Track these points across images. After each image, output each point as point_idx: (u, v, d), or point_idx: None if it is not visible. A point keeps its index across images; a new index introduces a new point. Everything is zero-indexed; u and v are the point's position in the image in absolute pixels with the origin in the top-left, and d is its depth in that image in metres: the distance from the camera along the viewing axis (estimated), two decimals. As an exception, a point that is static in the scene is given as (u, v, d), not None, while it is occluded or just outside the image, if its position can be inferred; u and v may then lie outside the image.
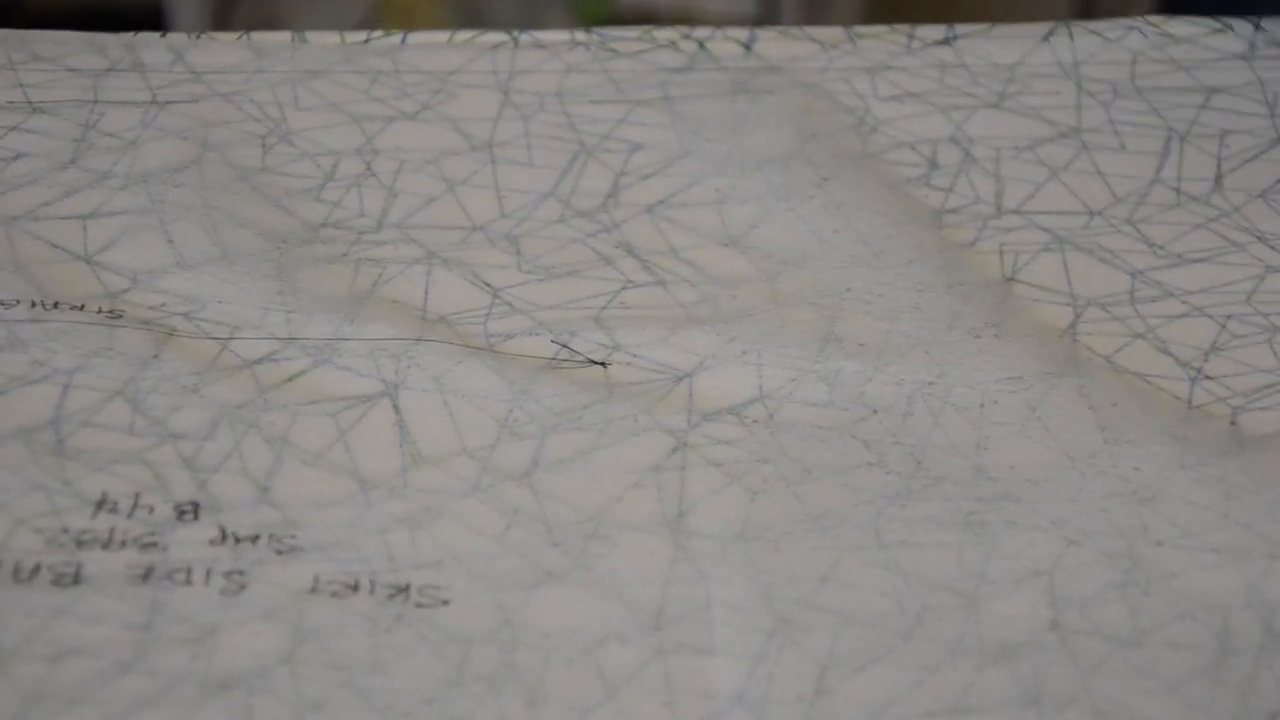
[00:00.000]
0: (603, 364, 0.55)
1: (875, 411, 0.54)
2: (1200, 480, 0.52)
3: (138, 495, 0.50)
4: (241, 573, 0.48)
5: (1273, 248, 0.60)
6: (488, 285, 0.58)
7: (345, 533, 0.50)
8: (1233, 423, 0.54)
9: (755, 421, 0.54)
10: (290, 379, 0.54)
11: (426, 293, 0.57)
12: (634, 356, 0.56)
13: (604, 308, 0.57)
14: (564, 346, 0.56)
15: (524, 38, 0.66)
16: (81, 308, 0.55)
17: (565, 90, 0.65)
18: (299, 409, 0.53)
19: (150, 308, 0.56)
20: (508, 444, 0.53)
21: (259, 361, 0.54)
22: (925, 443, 0.53)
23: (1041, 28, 0.68)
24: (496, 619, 0.48)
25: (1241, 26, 0.67)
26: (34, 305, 0.55)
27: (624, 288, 0.58)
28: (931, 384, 0.55)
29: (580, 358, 0.55)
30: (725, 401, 0.54)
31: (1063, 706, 0.46)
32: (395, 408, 0.53)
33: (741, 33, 0.67)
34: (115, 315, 0.55)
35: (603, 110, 0.64)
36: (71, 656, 0.46)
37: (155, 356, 0.54)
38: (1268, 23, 0.68)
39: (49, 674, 0.46)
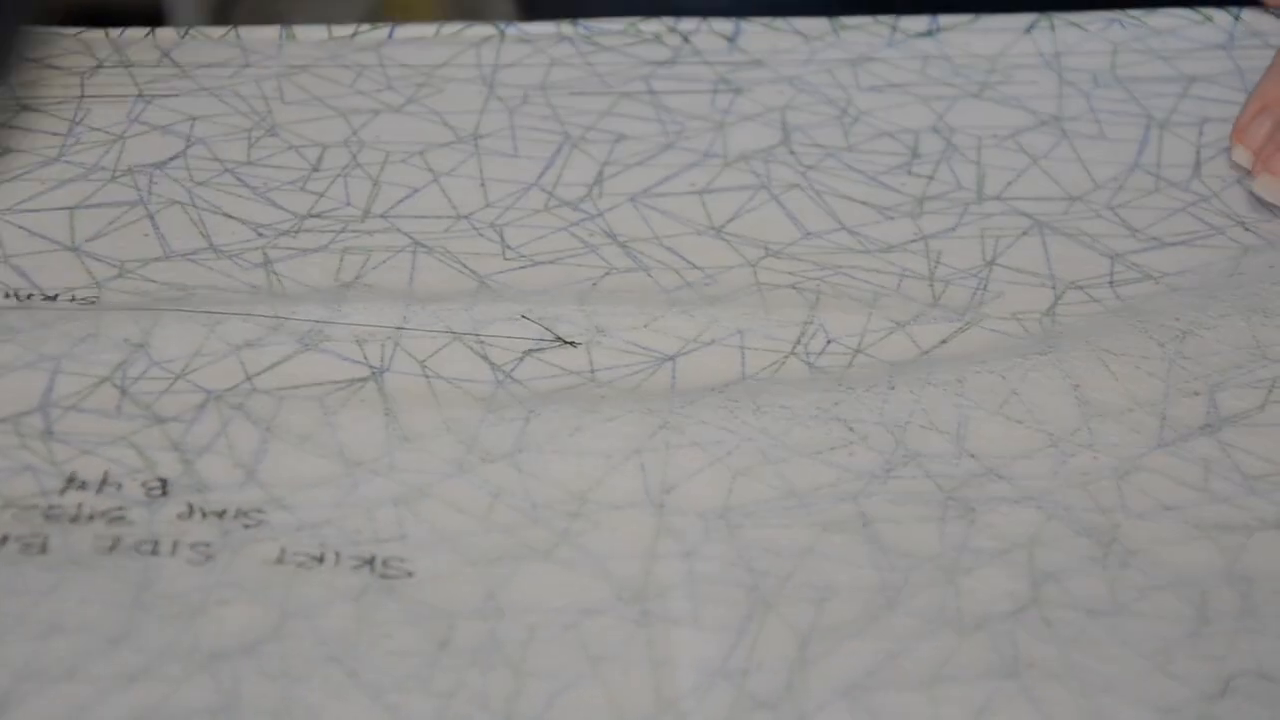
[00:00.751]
0: (573, 343, 0.56)
1: (856, 391, 0.54)
2: (1178, 456, 0.53)
3: (106, 473, 0.51)
4: (207, 544, 0.49)
5: (1250, 231, 0.60)
6: (472, 272, 0.58)
7: (330, 511, 0.50)
8: (1210, 400, 0.55)
9: (737, 402, 0.54)
10: (276, 364, 0.54)
11: (412, 280, 0.58)
12: (618, 340, 0.56)
13: (588, 293, 0.58)
14: (547, 330, 0.56)
15: (510, 31, 0.67)
16: (70, 295, 0.56)
17: (550, 83, 0.65)
18: (285, 393, 0.54)
19: (137, 295, 0.56)
20: (492, 426, 0.53)
21: (245, 347, 0.55)
22: (906, 421, 0.54)
23: (1024, 19, 0.68)
24: (480, 594, 0.48)
25: (1221, 17, 0.68)
26: (20, 293, 0.56)
27: (607, 274, 0.58)
28: (912, 364, 0.55)
29: (559, 341, 0.56)
30: (708, 383, 0.55)
31: (1041, 678, 0.47)
32: (381, 391, 0.54)
33: (726, 25, 0.67)
34: (102, 302, 0.56)
35: (587, 102, 0.65)
36: (57, 634, 0.46)
37: (142, 344, 0.54)
38: (1247, 14, 0.68)
39: (36, 651, 0.46)
